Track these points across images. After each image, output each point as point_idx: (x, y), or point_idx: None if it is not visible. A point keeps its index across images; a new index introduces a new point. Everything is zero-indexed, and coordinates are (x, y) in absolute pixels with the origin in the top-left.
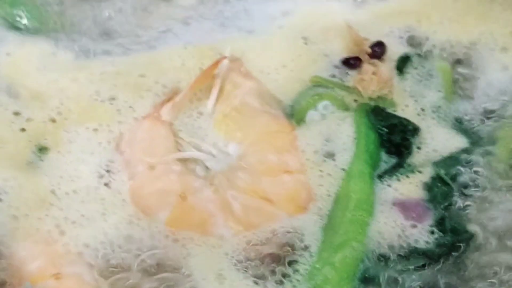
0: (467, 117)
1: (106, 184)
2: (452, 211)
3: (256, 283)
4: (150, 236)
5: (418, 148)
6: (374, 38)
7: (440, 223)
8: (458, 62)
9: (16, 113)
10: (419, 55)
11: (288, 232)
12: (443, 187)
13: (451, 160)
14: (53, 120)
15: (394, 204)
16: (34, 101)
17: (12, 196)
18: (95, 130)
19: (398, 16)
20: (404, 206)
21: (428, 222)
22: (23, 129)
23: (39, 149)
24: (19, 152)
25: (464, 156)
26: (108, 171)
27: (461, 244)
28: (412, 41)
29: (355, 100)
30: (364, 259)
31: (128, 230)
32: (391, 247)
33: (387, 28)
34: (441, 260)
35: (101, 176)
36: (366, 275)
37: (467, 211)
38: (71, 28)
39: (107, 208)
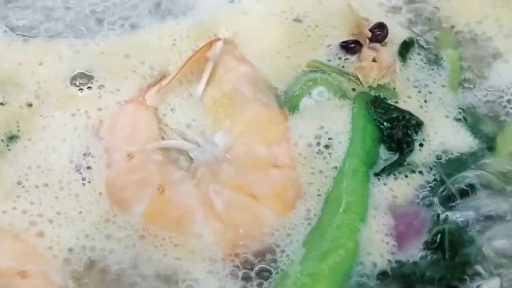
0: (472, 111)
1: (80, 175)
2: (452, 226)
3: None
4: (126, 235)
5: (421, 145)
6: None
7: (436, 242)
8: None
9: None
10: (423, 40)
11: (271, 234)
12: (444, 193)
13: (455, 163)
14: (30, 105)
15: (390, 210)
16: (10, 85)
17: None
18: (73, 115)
19: None
20: (398, 216)
21: (422, 238)
22: None
23: (8, 138)
24: None
25: (469, 157)
26: (85, 159)
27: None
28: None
29: (354, 89)
30: (351, 271)
31: (105, 229)
32: (375, 262)
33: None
34: None
35: (76, 166)
36: None
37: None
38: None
39: (83, 205)
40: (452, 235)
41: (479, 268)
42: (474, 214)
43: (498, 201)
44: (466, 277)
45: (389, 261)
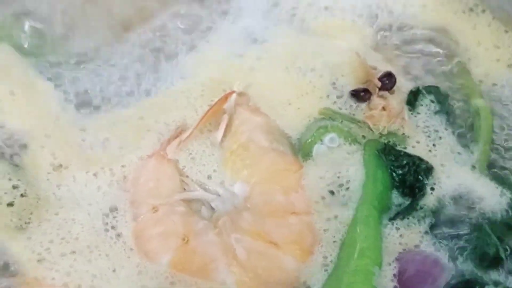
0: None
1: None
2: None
3: None
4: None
5: (432, 189)
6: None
7: None
8: None
9: None
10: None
11: (292, 280)
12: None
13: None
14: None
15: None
16: None
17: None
18: (95, 174)
19: None
20: (406, 262)
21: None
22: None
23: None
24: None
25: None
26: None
27: None
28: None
29: (364, 136)
30: None
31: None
32: None
33: None
34: None
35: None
36: None
37: None
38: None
39: (115, 262)
40: None
41: None
42: None
43: None
44: None
45: None
